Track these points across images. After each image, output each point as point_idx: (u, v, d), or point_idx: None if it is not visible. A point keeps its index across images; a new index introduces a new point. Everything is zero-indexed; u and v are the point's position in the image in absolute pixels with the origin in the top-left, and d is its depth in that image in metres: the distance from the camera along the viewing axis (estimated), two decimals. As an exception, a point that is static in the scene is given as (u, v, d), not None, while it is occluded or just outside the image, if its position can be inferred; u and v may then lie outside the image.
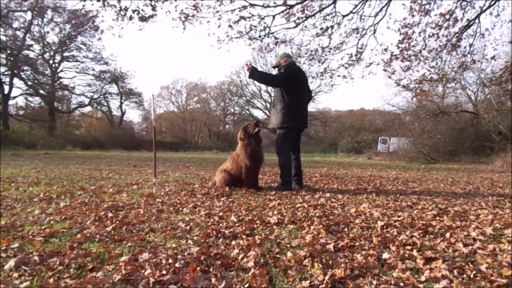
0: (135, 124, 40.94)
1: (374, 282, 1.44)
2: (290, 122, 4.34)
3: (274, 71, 4.62)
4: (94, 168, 7.39)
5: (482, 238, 2.15)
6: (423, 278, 1.48)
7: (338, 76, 10.44)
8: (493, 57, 10.18)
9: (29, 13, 25.53)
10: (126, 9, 7.96)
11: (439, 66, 10.37)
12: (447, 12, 8.64)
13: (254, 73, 4.32)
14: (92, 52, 30.92)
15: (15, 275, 1.46)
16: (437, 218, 2.74)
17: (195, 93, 43.37)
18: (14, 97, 28.38)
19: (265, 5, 8.69)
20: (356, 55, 9.82)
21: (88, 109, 35.28)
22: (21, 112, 29.73)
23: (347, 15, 9.27)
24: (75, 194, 3.69)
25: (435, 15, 8.81)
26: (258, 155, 4.27)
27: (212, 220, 2.55)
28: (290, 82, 4.35)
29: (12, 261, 1.57)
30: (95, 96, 33.34)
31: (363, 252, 1.80)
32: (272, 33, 9.32)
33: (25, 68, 27.57)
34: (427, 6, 8.62)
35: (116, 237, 2.04)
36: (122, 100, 35.27)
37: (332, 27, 9.35)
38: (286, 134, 4.40)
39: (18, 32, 26.24)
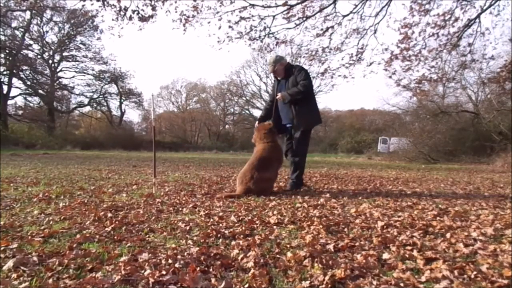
0: (135, 124, 40.95)
1: (374, 282, 1.43)
2: (315, 122, 4.37)
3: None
4: (93, 168, 7.38)
5: (482, 238, 2.14)
6: (423, 279, 1.48)
7: (339, 76, 10.46)
8: (491, 57, 10.20)
9: (28, 12, 25.51)
10: (126, 9, 7.95)
11: (439, 66, 10.39)
12: (447, 12, 8.66)
13: (289, 97, 4.17)
14: (92, 52, 30.89)
15: (14, 275, 1.45)
16: (438, 218, 2.73)
17: (195, 93, 43.35)
18: (13, 97, 28.34)
19: (265, 6, 8.69)
20: (356, 55, 9.83)
21: (87, 109, 35.26)
22: (20, 112, 29.63)
23: (347, 15, 9.28)
24: (75, 194, 3.68)
25: (435, 14, 8.83)
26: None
27: (212, 220, 2.54)
28: (311, 81, 4.33)
29: (11, 261, 1.56)
30: (95, 96, 33.31)
31: (363, 252, 1.79)
32: (272, 34, 9.33)
33: (24, 67, 27.49)
34: (427, 6, 8.63)
35: (115, 237, 2.03)
36: (122, 100, 35.24)
37: (332, 27, 9.35)
38: (308, 134, 4.37)
39: (17, 32, 26.23)
